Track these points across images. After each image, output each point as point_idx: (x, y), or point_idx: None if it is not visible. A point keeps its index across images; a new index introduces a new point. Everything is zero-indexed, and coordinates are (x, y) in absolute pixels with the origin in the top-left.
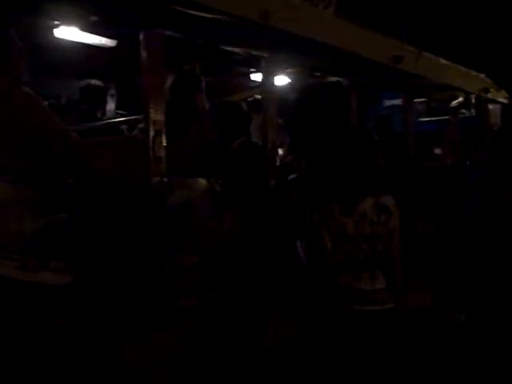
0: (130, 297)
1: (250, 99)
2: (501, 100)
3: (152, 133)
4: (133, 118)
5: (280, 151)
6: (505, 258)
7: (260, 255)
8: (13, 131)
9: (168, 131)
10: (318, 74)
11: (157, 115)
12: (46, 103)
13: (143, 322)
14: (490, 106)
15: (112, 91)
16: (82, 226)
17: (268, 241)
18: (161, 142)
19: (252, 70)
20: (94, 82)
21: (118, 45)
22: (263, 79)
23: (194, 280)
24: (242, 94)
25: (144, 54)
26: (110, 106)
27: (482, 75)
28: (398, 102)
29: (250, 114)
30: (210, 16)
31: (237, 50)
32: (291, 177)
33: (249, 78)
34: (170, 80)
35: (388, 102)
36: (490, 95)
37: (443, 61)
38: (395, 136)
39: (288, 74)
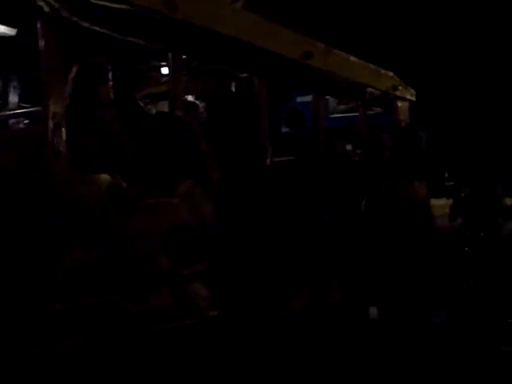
0: (23, 296)
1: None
2: (408, 97)
3: (51, 126)
4: (31, 110)
5: None
6: (394, 243)
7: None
8: None
9: (73, 123)
10: (227, 69)
11: (56, 108)
12: None
13: (40, 325)
14: (399, 103)
15: (14, 83)
16: None
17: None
18: (60, 136)
19: (162, 63)
20: None
21: (18, 34)
22: (170, 73)
23: (96, 278)
24: (154, 88)
25: (42, 43)
26: (13, 98)
27: (391, 73)
28: (310, 98)
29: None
30: (113, 5)
31: (142, 42)
32: None
33: (160, 71)
34: (73, 70)
35: (300, 99)
36: (398, 93)
37: (353, 58)
38: (307, 128)
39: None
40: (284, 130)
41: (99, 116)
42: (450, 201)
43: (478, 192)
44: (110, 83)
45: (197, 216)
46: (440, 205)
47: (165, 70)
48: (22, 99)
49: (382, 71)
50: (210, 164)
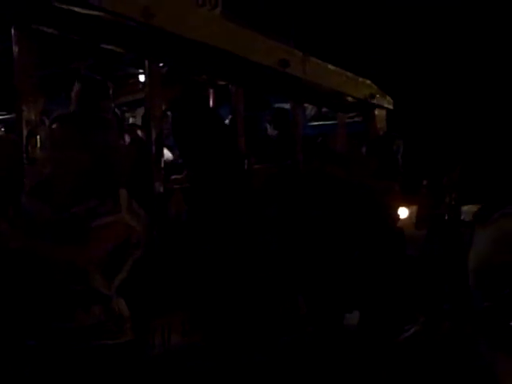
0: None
1: None
2: (386, 105)
3: (25, 133)
4: (5, 117)
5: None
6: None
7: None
8: None
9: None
10: (203, 77)
11: (30, 114)
12: None
13: None
14: (377, 112)
15: None
16: None
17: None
18: (35, 143)
19: (140, 70)
20: None
21: None
22: (146, 81)
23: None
24: (130, 95)
25: (16, 49)
26: None
27: (368, 81)
28: (288, 105)
29: None
30: (90, 13)
31: (119, 49)
32: None
33: (137, 79)
34: (76, 86)
35: (278, 106)
36: (375, 101)
37: (331, 66)
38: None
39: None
40: (271, 132)
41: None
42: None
43: (439, 199)
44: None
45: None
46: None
47: (142, 78)
48: None
49: (360, 79)
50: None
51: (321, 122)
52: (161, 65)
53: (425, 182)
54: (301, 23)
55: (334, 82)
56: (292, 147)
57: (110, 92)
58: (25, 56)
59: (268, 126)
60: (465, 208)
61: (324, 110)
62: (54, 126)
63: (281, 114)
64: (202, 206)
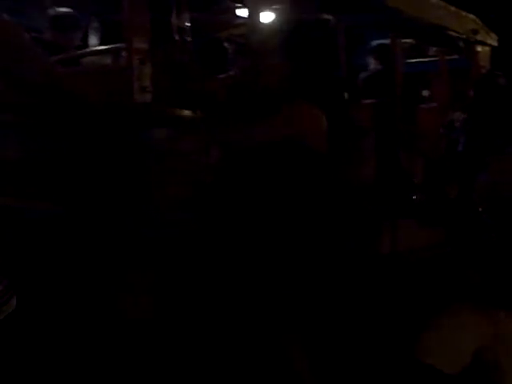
0: None
1: None
2: (490, 42)
3: (136, 61)
4: (115, 46)
5: None
6: None
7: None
8: None
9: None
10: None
11: (140, 43)
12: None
13: None
14: (480, 48)
15: (95, 24)
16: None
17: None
18: (145, 71)
19: (238, 5)
20: (64, 10)
21: None
22: (249, 15)
23: None
24: (228, 31)
25: None
26: (93, 40)
27: (472, 16)
28: (385, 42)
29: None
30: None
31: None
32: None
33: (234, 13)
34: None
35: (376, 43)
36: (478, 37)
37: None
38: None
39: (274, 11)
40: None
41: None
42: None
43: None
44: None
45: None
46: None
47: (239, 12)
48: (102, 41)
49: (463, 13)
50: None
51: (420, 60)
52: None
53: None
54: None
55: (435, 16)
56: (391, 83)
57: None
58: None
59: (372, 61)
60: None
61: (424, 46)
62: None
63: (385, 49)
64: None
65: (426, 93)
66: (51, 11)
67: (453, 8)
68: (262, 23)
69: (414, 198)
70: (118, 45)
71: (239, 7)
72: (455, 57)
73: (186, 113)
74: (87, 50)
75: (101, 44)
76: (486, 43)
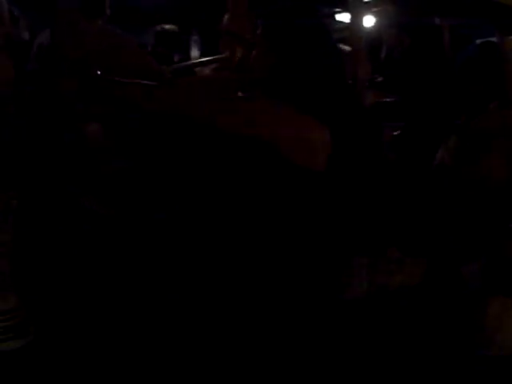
0: None
1: None
2: None
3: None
4: (220, 56)
5: None
6: None
7: None
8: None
9: None
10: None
11: (239, 53)
12: None
13: None
14: None
15: (195, 37)
16: None
17: None
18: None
19: (337, 10)
20: (168, 26)
21: None
22: (351, 19)
23: None
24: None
25: None
26: (194, 52)
27: None
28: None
29: None
30: None
31: None
32: None
33: (334, 18)
34: None
35: (480, 41)
36: None
37: None
38: None
39: (375, 14)
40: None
41: None
42: None
43: None
44: None
45: None
46: None
47: (339, 17)
48: (203, 53)
49: None
50: None
51: None
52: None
53: None
54: None
55: None
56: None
57: None
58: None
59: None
60: None
61: None
62: None
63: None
64: None
65: None
66: (157, 27)
67: None
68: (365, 27)
69: None
70: (221, 56)
71: (339, 12)
72: None
73: None
74: (199, 60)
75: (202, 56)
76: None
